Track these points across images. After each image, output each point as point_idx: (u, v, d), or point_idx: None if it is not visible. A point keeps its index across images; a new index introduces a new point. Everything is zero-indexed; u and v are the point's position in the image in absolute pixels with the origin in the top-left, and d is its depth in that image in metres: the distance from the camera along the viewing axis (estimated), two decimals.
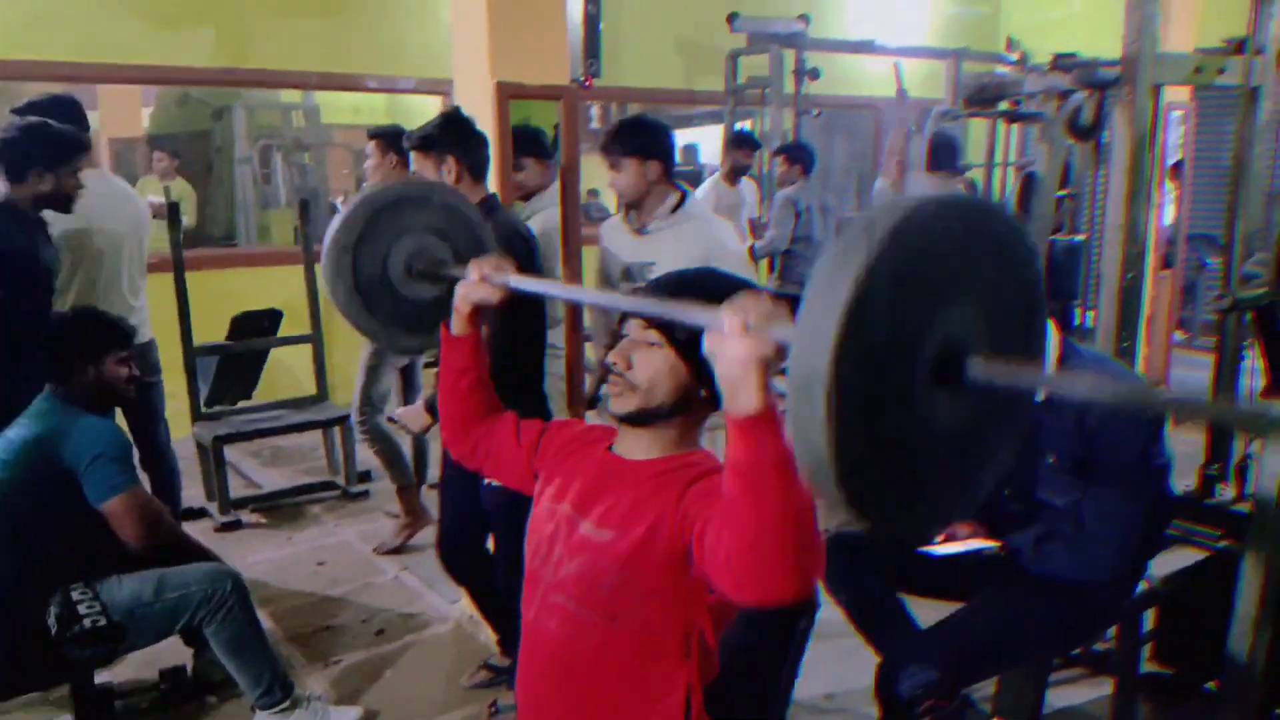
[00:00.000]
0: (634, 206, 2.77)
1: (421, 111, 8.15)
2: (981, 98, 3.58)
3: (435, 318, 1.71)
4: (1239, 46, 3.03)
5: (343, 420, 4.41)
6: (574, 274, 3.08)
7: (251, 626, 2.49)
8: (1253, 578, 1.96)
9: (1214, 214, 6.78)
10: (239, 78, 5.76)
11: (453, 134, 2.56)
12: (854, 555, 2.15)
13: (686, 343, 1.34)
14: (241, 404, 4.62)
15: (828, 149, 8.10)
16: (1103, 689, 2.78)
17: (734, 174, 5.43)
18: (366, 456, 4.78)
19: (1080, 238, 4.84)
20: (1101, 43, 5.00)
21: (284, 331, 4.66)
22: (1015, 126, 5.55)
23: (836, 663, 2.55)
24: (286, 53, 5.53)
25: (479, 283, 1.49)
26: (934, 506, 0.96)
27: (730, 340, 0.99)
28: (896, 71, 6.08)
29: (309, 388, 4.67)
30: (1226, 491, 2.85)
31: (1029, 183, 3.71)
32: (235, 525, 4.09)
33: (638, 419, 1.39)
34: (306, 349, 4.59)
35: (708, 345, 1.03)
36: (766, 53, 6.22)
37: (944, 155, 5.06)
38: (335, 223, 1.69)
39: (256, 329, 4.50)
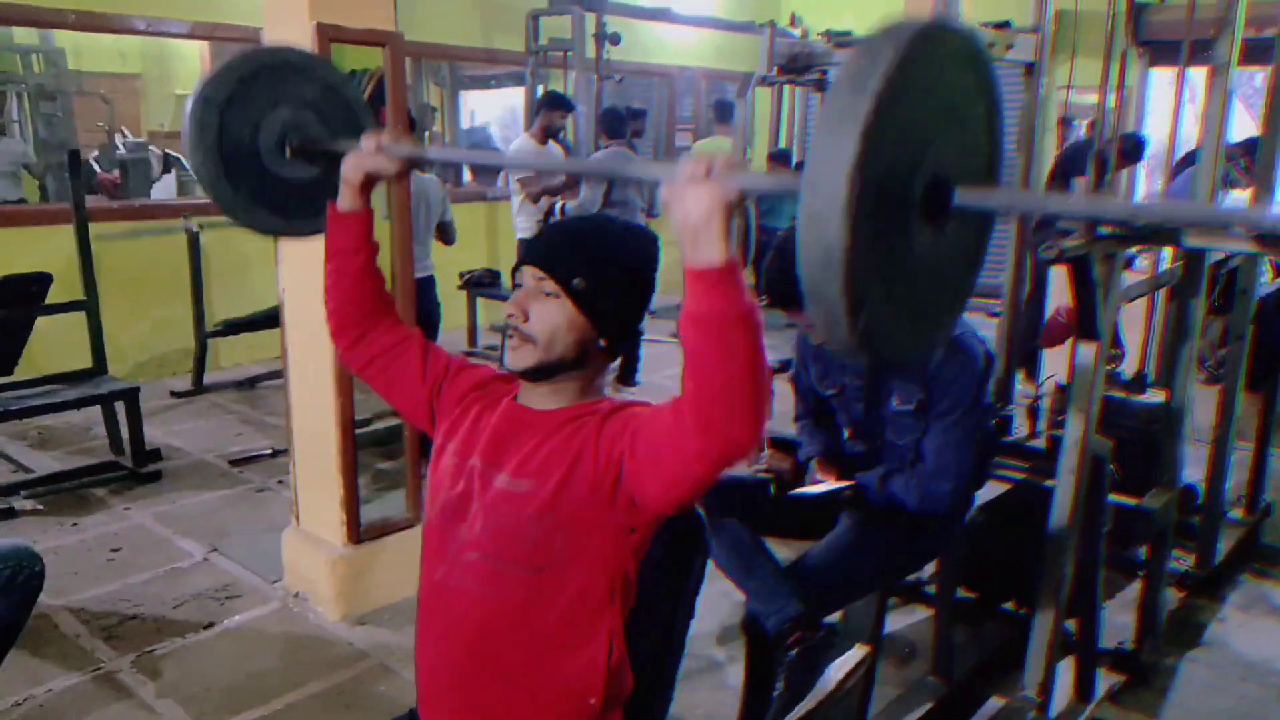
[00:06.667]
0: None
1: (185, 57, 7.51)
2: (794, 66, 3.75)
3: (303, 202, 1.58)
4: (997, 27, 3.42)
5: (127, 394, 4.03)
6: (404, 231, 2.97)
7: (24, 616, 2.19)
8: (1063, 510, 2.18)
9: None
10: None
11: None
12: (719, 503, 2.22)
13: (584, 293, 1.30)
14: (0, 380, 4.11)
15: None
16: (913, 615, 3.04)
17: (545, 134, 5.35)
18: (154, 434, 4.42)
19: None
20: (872, 20, 5.34)
21: (53, 298, 4.16)
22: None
23: None
24: None
25: (375, 152, 1.42)
26: (919, 328, 0.99)
27: (692, 187, 0.98)
28: None
29: (80, 360, 4.23)
30: (1020, 429, 3.18)
31: None
32: (8, 514, 3.64)
33: (537, 373, 1.34)
34: (76, 318, 4.16)
35: (664, 194, 1.01)
36: (567, 14, 6.19)
37: (613, 124, 5.34)
38: (204, 76, 1.50)
39: (22, 295, 3.98)
